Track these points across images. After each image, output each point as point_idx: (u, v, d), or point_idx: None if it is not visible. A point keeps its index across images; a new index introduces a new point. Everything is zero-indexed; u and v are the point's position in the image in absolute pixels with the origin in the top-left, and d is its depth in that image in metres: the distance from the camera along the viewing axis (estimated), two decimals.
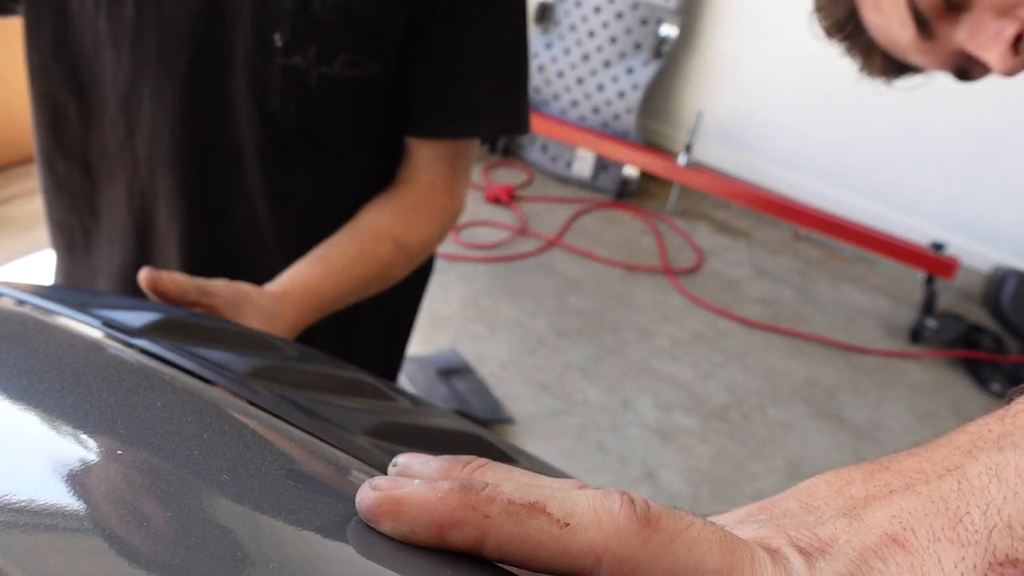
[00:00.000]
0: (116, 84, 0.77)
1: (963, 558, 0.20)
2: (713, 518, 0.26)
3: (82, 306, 0.43)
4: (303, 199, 0.83)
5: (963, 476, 0.22)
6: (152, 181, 0.81)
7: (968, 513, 0.21)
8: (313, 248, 0.77)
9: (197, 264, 0.84)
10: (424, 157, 0.83)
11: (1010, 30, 0.57)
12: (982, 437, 0.23)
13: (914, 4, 0.60)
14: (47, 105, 0.81)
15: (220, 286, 0.61)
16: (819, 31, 0.70)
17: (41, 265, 2.28)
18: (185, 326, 0.45)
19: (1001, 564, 0.20)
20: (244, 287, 0.64)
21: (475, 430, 0.44)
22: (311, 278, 0.71)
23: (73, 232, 0.88)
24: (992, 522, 0.20)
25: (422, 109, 0.80)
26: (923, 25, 0.60)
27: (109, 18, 0.74)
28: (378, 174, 0.85)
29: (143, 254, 0.85)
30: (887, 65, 0.69)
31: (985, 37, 0.59)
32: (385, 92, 0.79)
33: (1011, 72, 0.59)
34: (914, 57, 0.65)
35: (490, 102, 0.82)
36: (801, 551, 0.22)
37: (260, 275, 0.74)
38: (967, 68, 0.64)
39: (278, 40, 0.73)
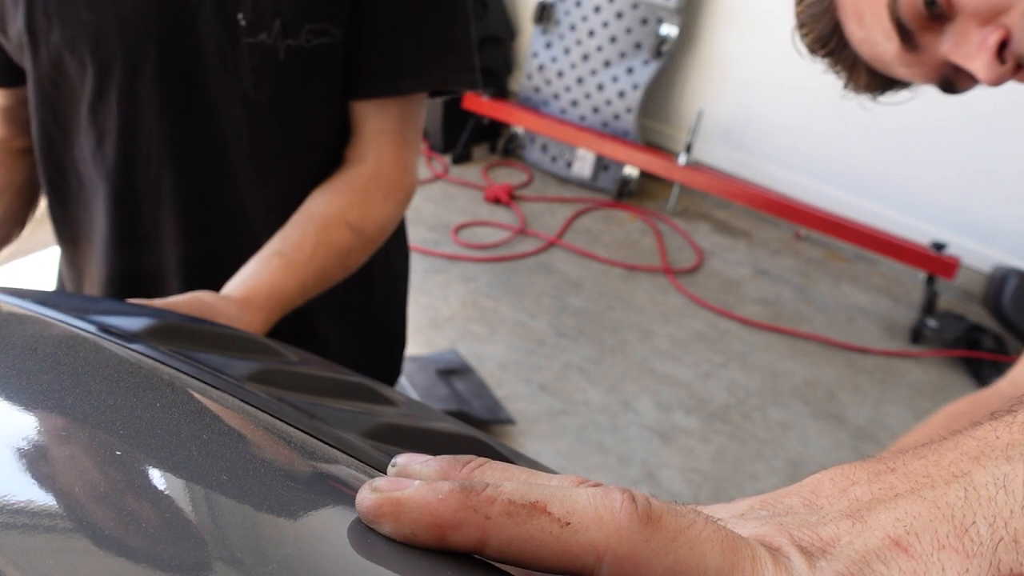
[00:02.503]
0: (83, 92, 0.76)
1: (967, 569, 0.20)
2: (713, 508, 0.26)
3: (79, 312, 0.43)
4: (287, 180, 0.82)
5: (970, 484, 0.21)
6: (129, 184, 0.80)
7: (974, 523, 0.20)
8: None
9: (191, 258, 0.83)
10: (370, 129, 0.82)
11: (994, 38, 0.57)
12: (990, 444, 0.23)
13: (897, 16, 0.59)
14: (32, 131, 0.81)
15: (181, 301, 0.60)
16: (802, 48, 0.70)
17: (41, 265, 2.27)
18: (182, 331, 0.45)
19: None
20: (206, 298, 0.62)
21: (473, 433, 0.44)
22: (272, 277, 0.70)
23: (89, 246, 0.87)
24: (998, 535, 0.20)
25: (362, 69, 0.79)
26: (907, 37, 0.60)
27: (63, 28, 0.73)
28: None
29: (132, 257, 0.85)
30: (872, 80, 0.69)
31: (970, 47, 0.58)
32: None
33: (997, 81, 0.58)
34: (899, 70, 0.65)
35: (429, 57, 0.80)
36: (803, 550, 0.22)
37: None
38: (953, 80, 0.63)
39: (242, 20, 0.73)
